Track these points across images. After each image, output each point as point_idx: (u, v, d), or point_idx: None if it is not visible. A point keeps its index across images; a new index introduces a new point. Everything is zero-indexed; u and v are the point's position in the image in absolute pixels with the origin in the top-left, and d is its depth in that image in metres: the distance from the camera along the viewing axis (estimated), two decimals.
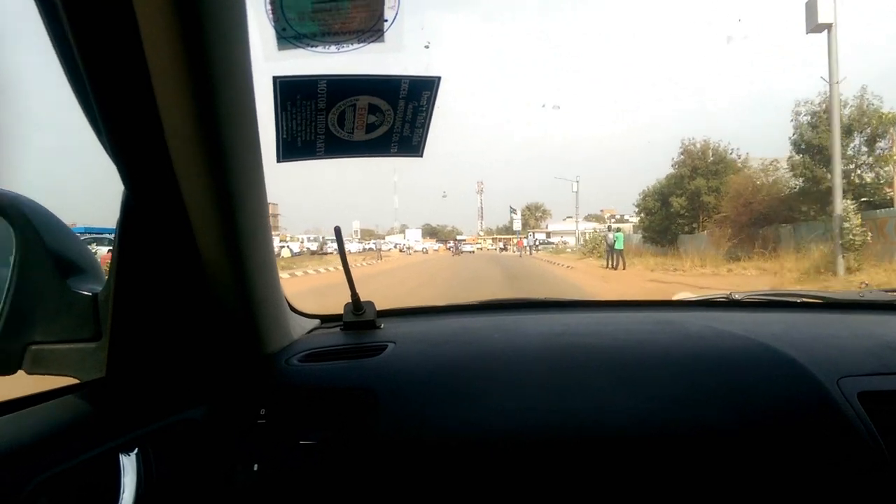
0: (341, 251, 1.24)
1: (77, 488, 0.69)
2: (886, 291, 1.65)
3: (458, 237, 74.99)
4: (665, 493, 0.91)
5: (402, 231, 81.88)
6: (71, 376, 0.89)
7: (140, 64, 0.68)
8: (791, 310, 1.51)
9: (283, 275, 15.06)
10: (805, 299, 1.61)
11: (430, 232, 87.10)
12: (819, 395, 0.97)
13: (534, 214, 76.14)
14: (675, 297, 1.86)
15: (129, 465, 0.75)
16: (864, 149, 18.45)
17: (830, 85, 13.42)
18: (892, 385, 1.01)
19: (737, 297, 1.63)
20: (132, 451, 0.76)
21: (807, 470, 0.92)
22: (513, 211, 64.38)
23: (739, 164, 24.25)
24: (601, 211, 66.83)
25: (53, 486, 0.66)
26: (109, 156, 0.80)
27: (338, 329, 1.27)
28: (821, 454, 0.92)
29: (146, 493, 0.76)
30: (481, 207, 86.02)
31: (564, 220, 67.11)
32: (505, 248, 56.68)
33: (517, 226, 61.21)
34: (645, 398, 0.98)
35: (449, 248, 58.74)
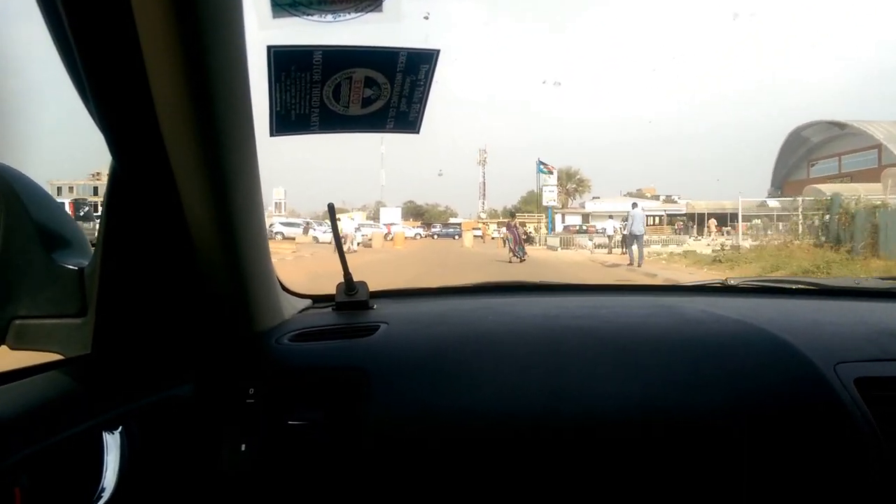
0: (334, 230, 1.22)
1: (60, 465, 0.68)
2: (882, 279, 1.65)
3: (452, 220, 61.95)
4: (660, 476, 0.91)
5: (374, 211, 60.37)
6: (56, 352, 0.87)
7: (129, 30, 0.66)
8: (787, 296, 1.50)
9: None
10: (801, 286, 1.60)
11: (415, 212, 69.87)
12: (816, 381, 0.97)
13: (565, 184, 53.12)
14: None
15: (112, 443, 0.74)
16: None
17: None
18: (889, 371, 1.00)
19: (733, 282, 1.62)
20: (116, 428, 0.75)
21: (803, 455, 0.91)
22: (545, 169, 41.84)
23: None
24: (637, 191, 51.50)
25: (35, 463, 0.64)
26: (98, 126, 0.78)
27: (330, 309, 1.25)
28: (817, 439, 0.92)
29: (130, 471, 0.74)
30: (483, 183, 65.73)
31: (593, 199, 50.55)
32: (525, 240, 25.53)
33: (550, 196, 41.53)
34: (640, 381, 0.97)
35: (433, 234, 49.72)
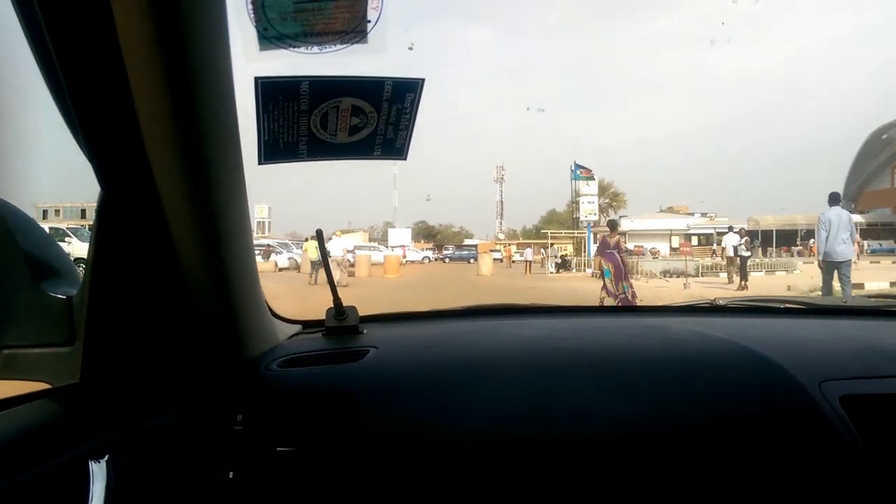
0: (323, 255, 1.23)
1: (47, 494, 0.68)
2: (868, 297, 1.67)
3: (467, 241, 54.53)
4: (648, 494, 0.91)
5: (382, 232, 56.14)
6: (44, 381, 0.87)
7: (117, 63, 0.67)
8: (774, 315, 1.51)
9: None
10: (788, 305, 1.62)
11: (427, 233, 65.03)
12: (801, 399, 0.98)
13: (598, 199, 40.79)
14: None
15: (98, 472, 0.73)
16: None
17: None
18: (873, 388, 1.01)
19: (720, 302, 1.63)
20: (103, 457, 0.75)
21: (788, 472, 0.92)
22: (582, 174, 32.89)
23: None
24: (668, 208, 49.79)
25: (22, 492, 0.64)
26: (86, 155, 0.79)
27: (319, 334, 1.25)
28: (803, 457, 0.93)
29: (116, 501, 0.74)
30: (501, 202, 60.59)
31: (621, 217, 42.46)
32: (560, 264, 25.84)
33: (589, 209, 32.24)
34: (628, 401, 0.98)
35: (444, 258, 43.34)
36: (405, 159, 1.01)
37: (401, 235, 49.58)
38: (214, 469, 0.91)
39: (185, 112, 0.73)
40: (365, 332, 1.24)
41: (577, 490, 0.92)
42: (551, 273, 24.73)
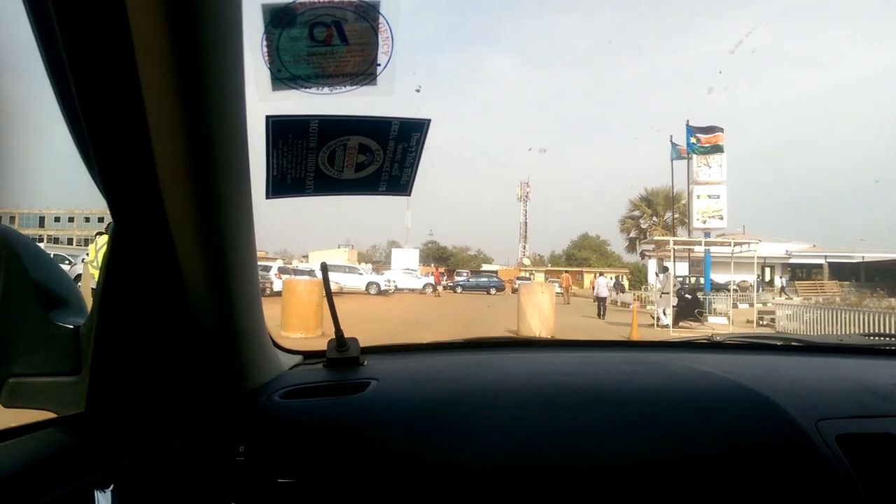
0: (326, 287, 1.24)
1: None
2: (865, 335, 1.68)
3: (486, 266, 47.07)
4: None
5: (385, 253, 48.65)
6: (49, 410, 0.87)
7: (136, 102, 0.69)
8: (771, 352, 1.53)
9: None
10: (785, 342, 1.63)
11: (438, 255, 55.47)
12: (797, 437, 0.98)
13: (662, 215, 34.74)
14: None
15: (103, 502, 0.74)
16: None
17: None
18: (870, 428, 1.02)
19: (718, 339, 1.65)
20: (108, 487, 0.75)
21: None
22: (701, 143, 20.00)
23: None
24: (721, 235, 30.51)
25: None
26: (100, 190, 0.81)
27: (320, 365, 1.26)
28: (799, 496, 0.93)
29: None
30: (525, 222, 53.56)
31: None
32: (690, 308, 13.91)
33: (710, 208, 20.91)
34: (628, 436, 0.99)
35: (455, 286, 33.86)
36: (409, 195, 1.03)
37: (406, 257, 42.79)
38: (217, 499, 0.91)
39: (200, 149, 0.75)
40: (366, 363, 1.25)
41: None
42: (664, 325, 13.74)
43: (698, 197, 21.33)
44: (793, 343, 1.65)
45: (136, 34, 0.64)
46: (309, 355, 1.36)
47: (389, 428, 1.01)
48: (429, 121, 0.93)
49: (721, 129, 20.51)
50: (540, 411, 1.04)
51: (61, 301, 0.90)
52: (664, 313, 14.20)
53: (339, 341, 1.24)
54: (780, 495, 0.93)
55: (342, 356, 1.24)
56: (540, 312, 11.44)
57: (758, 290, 20.39)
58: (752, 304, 17.90)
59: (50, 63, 0.71)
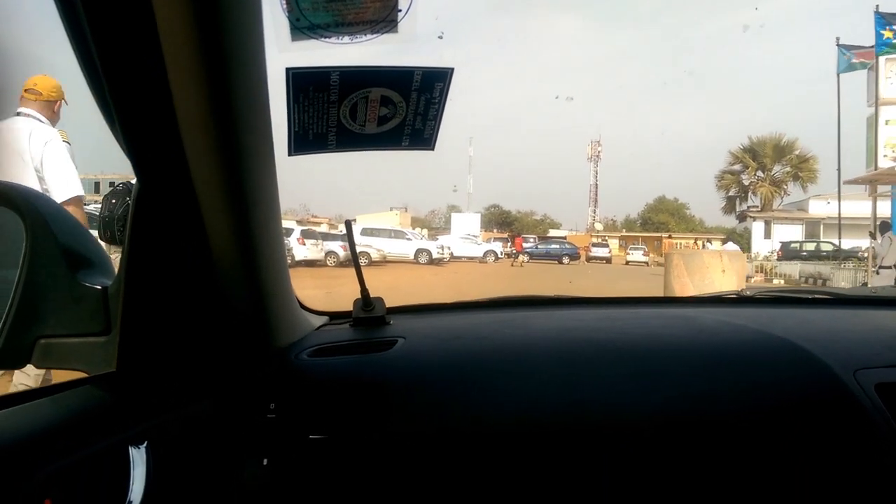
0: (352, 246, 1.23)
1: (88, 479, 0.69)
2: None
3: (553, 232, 41.93)
4: (680, 484, 0.91)
5: (445, 218, 44.01)
6: (81, 370, 0.88)
7: (156, 55, 0.68)
8: (803, 306, 1.50)
9: None
10: (816, 296, 1.60)
11: (501, 220, 51.37)
12: (836, 388, 0.97)
13: (770, 167, 31.36)
14: None
15: (138, 458, 0.75)
16: None
17: None
18: None
19: (748, 293, 1.62)
20: (142, 443, 0.76)
21: (825, 462, 0.91)
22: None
23: None
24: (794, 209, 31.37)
25: (65, 476, 0.65)
26: (122, 148, 0.80)
27: (347, 325, 1.26)
28: (838, 446, 0.92)
29: (156, 485, 0.75)
30: (595, 184, 48.39)
31: (812, 197, 29.52)
32: None
33: None
34: (658, 392, 0.98)
35: (509, 254, 29.07)
36: (433, 150, 1.01)
37: (468, 222, 38.54)
38: (249, 456, 0.92)
39: (221, 103, 0.74)
40: (392, 322, 1.24)
41: (607, 480, 0.92)
42: None
43: (886, 122, 15.46)
44: (823, 296, 1.62)
45: None
46: (335, 316, 1.36)
47: (418, 384, 1.01)
48: (452, 70, 0.90)
49: None
50: (567, 366, 1.03)
51: (88, 262, 0.91)
52: None
53: (365, 301, 1.24)
54: (819, 447, 0.92)
55: (368, 315, 1.23)
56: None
57: None
58: None
59: (71, 25, 0.69)
